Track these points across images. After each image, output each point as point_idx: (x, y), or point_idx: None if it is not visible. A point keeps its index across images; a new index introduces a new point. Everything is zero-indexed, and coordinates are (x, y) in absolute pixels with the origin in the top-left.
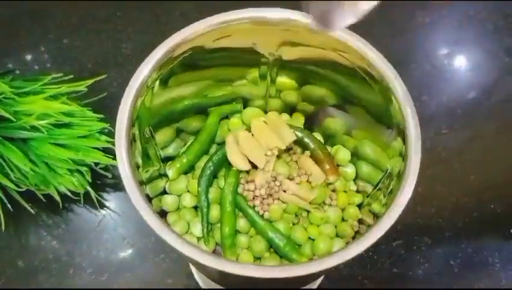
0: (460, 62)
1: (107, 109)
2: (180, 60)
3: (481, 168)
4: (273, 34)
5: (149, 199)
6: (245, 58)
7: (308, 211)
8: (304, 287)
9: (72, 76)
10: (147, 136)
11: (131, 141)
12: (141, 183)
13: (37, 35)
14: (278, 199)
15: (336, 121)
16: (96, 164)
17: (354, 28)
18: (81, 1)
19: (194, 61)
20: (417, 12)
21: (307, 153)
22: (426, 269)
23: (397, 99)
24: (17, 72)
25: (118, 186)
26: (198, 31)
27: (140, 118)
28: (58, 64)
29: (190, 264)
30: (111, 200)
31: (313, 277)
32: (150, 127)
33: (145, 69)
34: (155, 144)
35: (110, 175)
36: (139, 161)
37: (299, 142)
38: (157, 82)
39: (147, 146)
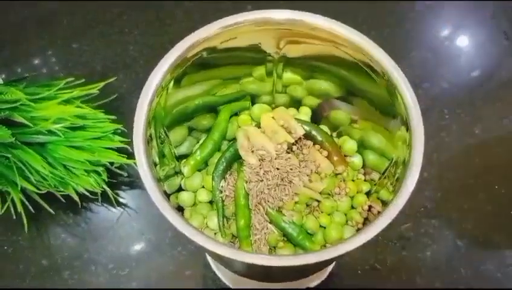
0: (460, 48)
1: (118, 110)
2: (192, 61)
3: (485, 151)
4: (278, 33)
5: (167, 195)
6: (251, 57)
7: (318, 201)
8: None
9: (83, 80)
10: (162, 136)
11: (148, 140)
12: (159, 181)
13: (46, 40)
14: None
15: (341, 113)
16: (112, 164)
17: (354, 18)
18: (87, 6)
19: (205, 61)
20: (416, 1)
21: (315, 145)
22: (434, 251)
23: (399, 91)
24: (28, 77)
25: (133, 184)
26: (208, 34)
27: (156, 118)
28: (68, 69)
29: (207, 256)
30: (127, 197)
31: (326, 263)
32: (164, 127)
33: (160, 71)
34: (170, 143)
35: (125, 174)
36: (156, 159)
37: (307, 135)
38: (171, 83)
39: (162, 145)
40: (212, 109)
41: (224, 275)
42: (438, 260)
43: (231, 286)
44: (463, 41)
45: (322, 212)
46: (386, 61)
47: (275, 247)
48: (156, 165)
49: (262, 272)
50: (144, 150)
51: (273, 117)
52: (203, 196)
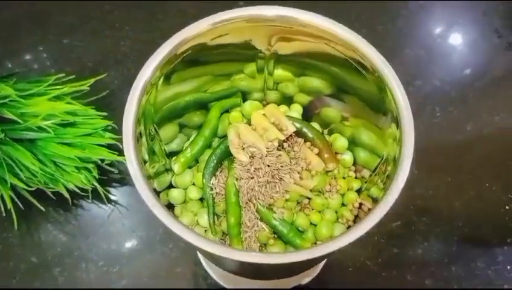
0: (452, 45)
1: (109, 107)
2: (182, 58)
3: (475, 148)
4: (269, 30)
5: (157, 193)
6: (242, 53)
7: (309, 198)
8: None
9: (73, 76)
10: (152, 133)
11: (138, 138)
12: (149, 178)
13: (37, 36)
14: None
15: (332, 110)
16: (102, 161)
17: (347, 15)
18: (79, 2)
19: (195, 58)
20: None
21: (306, 143)
22: (425, 248)
23: (389, 88)
24: (19, 73)
25: (124, 181)
26: (198, 31)
27: (145, 115)
28: (59, 65)
29: (198, 253)
30: (118, 194)
31: (317, 260)
32: (154, 124)
33: (149, 68)
34: (160, 140)
35: (116, 171)
36: (146, 157)
37: (298, 132)
38: (161, 80)
39: (152, 142)
40: (203, 106)
41: (215, 273)
42: (429, 257)
43: (222, 284)
44: (455, 39)
45: (312, 209)
46: (376, 57)
47: (265, 244)
48: (145, 162)
49: (253, 270)
50: (133, 147)
51: (264, 114)
52: (194, 193)
